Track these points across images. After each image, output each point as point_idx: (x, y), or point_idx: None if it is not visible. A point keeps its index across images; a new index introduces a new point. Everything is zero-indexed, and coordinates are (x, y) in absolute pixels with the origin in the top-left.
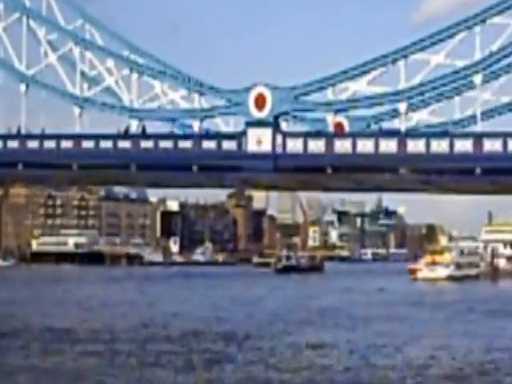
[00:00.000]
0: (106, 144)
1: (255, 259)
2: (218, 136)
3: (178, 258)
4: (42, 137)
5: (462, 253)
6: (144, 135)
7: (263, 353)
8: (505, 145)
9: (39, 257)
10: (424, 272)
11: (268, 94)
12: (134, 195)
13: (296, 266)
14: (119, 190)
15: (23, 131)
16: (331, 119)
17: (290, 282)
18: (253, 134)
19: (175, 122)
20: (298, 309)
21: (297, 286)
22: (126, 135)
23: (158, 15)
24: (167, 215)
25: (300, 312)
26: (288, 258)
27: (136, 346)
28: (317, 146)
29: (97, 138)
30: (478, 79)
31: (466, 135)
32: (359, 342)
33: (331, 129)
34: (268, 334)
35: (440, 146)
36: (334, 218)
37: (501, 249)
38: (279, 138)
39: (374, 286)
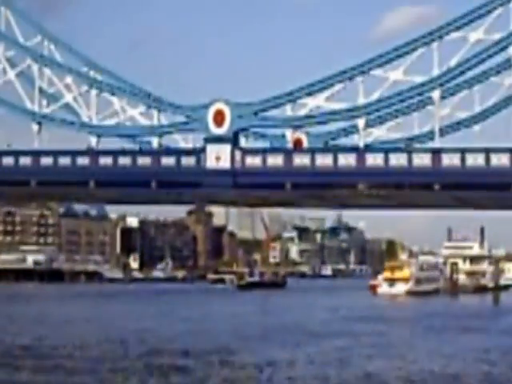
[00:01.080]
0: (65, 160)
1: (210, 276)
2: (177, 152)
3: (138, 275)
4: (0, 153)
5: (421, 268)
6: (102, 152)
7: (221, 368)
8: (463, 160)
9: None
10: (383, 287)
11: (227, 110)
12: (93, 212)
13: (259, 282)
14: (79, 206)
15: None
16: (290, 135)
17: (252, 298)
18: (212, 150)
19: (134, 139)
20: (258, 325)
21: (259, 302)
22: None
23: (116, 31)
24: (127, 232)
25: (261, 328)
26: (251, 274)
27: (91, 363)
28: (275, 161)
29: (55, 154)
30: (436, 95)
31: (424, 150)
32: (317, 357)
33: (290, 145)
34: (228, 350)
35: (398, 160)
36: (294, 234)
37: (460, 264)
38: (238, 155)
39: (334, 301)
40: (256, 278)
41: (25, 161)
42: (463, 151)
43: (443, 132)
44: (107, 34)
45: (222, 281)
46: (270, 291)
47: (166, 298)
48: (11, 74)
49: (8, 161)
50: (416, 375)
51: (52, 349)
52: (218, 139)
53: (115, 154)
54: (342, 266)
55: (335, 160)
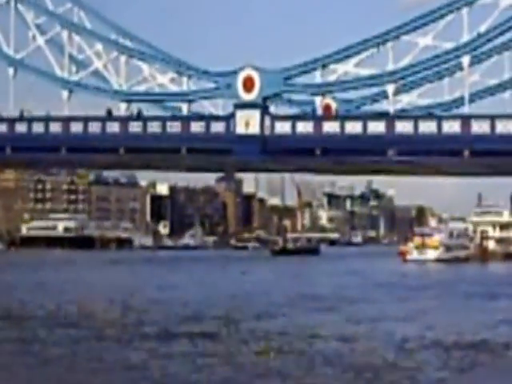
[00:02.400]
0: (95, 127)
1: (233, 242)
2: (207, 118)
3: (168, 242)
4: (31, 120)
5: (451, 235)
6: (132, 118)
7: (255, 334)
8: (493, 126)
9: (29, 241)
10: (413, 254)
11: (256, 76)
12: (123, 179)
13: (293, 249)
14: (109, 174)
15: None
16: (320, 101)
17: (286, 265)
18: (241, 116)
19: (164, 105)
20: (290, 292)
21: (293, 269)
22: (138, 117)
23: None
24: (157, 199)
25: (293, 295)
26: (285, 240)
27: (115, 330)
28: (305, 128)
29: (85, 120)
30: (465, 61)
31: (453, 117)
32: (345, 323)
33: (320, 111)
34: (265, 315)
35: (428, 127)
36: (324, 200)
37: (490, 231)
38: (267, 121)
39: (366, 268)
40: (290, 245)
41: (55, 127)
42: (493, 118)
43: (473, 99)
44: (137, 1)
45: (244, 248)
46: (304, 258)
47: (197, 265)
48: (41, 41)
49: (38, 127)
50: (443, 341)
51: (73, 316)
52: (248, 105)
53: (145, 120)
54: (371, 233)
55: (365, 127)
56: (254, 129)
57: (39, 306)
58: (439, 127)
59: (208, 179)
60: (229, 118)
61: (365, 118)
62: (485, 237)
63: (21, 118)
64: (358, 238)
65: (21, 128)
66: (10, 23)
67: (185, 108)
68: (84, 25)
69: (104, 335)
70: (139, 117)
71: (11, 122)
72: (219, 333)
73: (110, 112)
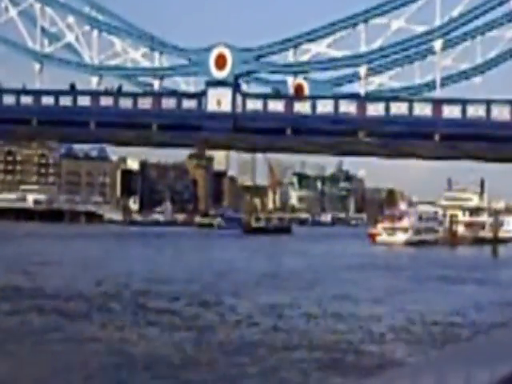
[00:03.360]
0: (66, 101)
1: (198, 219)
2: (178, 95)
3: (138, 217)
4: (2, 92)
5: (420, 218)
6: (103, 92)
7: (207, 312)
8: (464, 111)
9: None
10: (383, 236)
11: (229, 54)
12: (94, 153)
13: (265, 227)
14: (79, 147)
15: None
16: (291, 81)
17: (258, 243)
18: (213, 93)
19: (135, 80)
20: (257, 271)
21: (264, 248)
22: (119, 93)
23: None
24: (127, 174)
25: (259, 274)
26: (257, 219)
27: (79, 305)
28: (276, 107)
29: (56, 93)
30: (438, 45)
31: (425, 100)
32: (308, 303)
33: (291, 91)
34: (237, 293)
35: (399, 109)
36: (295, 180)
37: (460, 215)
38: (239, 99)
39: (336, 249)
40: (262, 224)
41: (26, 100)
42: (464, 102)
43: (444, 83)
44: None
45: (210, 225)
46: (277, 237)
47: (166, 241)
48: (13, 13)
49: (9, 99)
50: (405, 323)
51: (39, 290)
52: (220, 83)
53: (116, 95)
54: (341, 214)
55: (336, 107)
56: (226, 106)
57: None
58: (410, 110)
59: (179, 156)
60: (200, 95)
61: (336, 98)
62: (454, 221)
63: None
64: (327, 219)
65: None
66: None
67: (156, 84)
68: None
69: (66, 309)
70: (119, 92)
71: None
72: (179, 311)
73: (73, 86)
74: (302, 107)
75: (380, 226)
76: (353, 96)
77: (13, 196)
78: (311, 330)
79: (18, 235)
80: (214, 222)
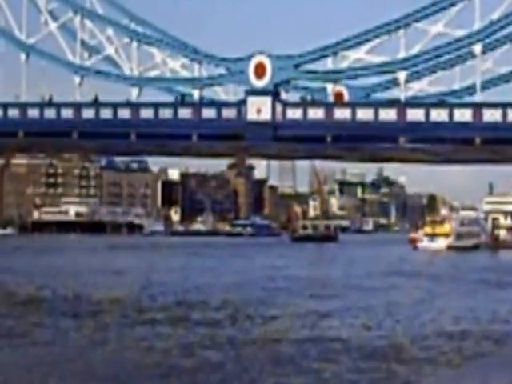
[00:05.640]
0: (107, 113)
1: (227, 228)
2: (218, 104)
3: (179, 228)
4: (43, 105)
5: (462, 223)
6: (143, 104)
7: (252, 320)
8: (504, 115)
9: (40, 226)
10: (424, 242)
11: (268, 62)
12: (134, 165)
13: (312, 235)
14: (120, 159)
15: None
16: (331, 88)
17: (307, 251)
18: (252, 102)
19: (175, 91)
20: (302, 278)
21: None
22: (183, 103)
23: None
24: (168, 185)
25: (304, 281)
26: (304, 227)
27: (116, 314)
28: (316, 114)
29: (97, 106)
30: (477, 49)
31: (465, 105)
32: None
33: (331, 98)
34: (262, 302)
35: (440, 115)
36: (335, 187)
37: (501, 219)
38: (279, 107)
39: (380, 254)
40: (309, 232)
41: (67, 113)
42: (504, 106)
43: (484, 86)
44: None
45: (239, 234)
46: (323, 244)
47: (209, 251)
48: (53, 26)
49: (50, 113)
50: (450, 329)
51: (78, 298)
52: (259, 92)
53: (156, 106)
54: (382, 221)
55: (376, 114)
56: (266, 115)
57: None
58: (451, 115)
59: (219, 165)
60: (240, 105)
61: (376, 105)
62: (496, 225)
63: (37, 104)
64: (368, 226)
65: (33, 113)
66: (23, 8)
67: (196, 94)
68: (96, 10)
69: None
70: (183, 102)
71: (23, 106)
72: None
73: (96, 99)
74: (342, 114)
75: (421, 232)
76: (393, 102)
77: (55, 209)
78: (360, 337)
79: (62, 247)
80: (244, 230)
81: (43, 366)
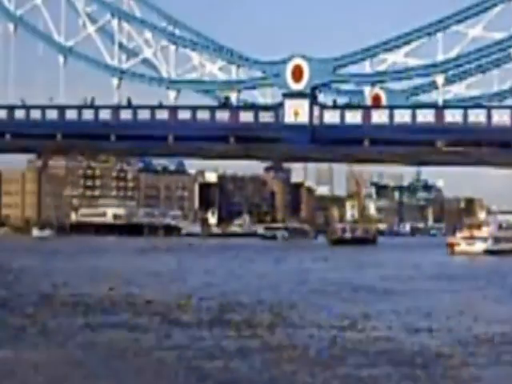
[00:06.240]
0: (144, 115)
1: (260, 231)
2: (255, 107)
3: (216, 230)
4: (81, 107)
5: (500, 227)
6: (181, 106)
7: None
8: None
9: (78, 228)
10: (462, 246)
11: (305, 65)
12: (172, 167)
13: (351, 238)
14: (157, 161)
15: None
16: (368, 91)
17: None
18: (290, 105)
19: (213, 94)
20: (338, 282)
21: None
22: (225, 105)
23: None
24: (205, 187)
25: (341, 285)
26: (343, 230)
27: (155, 317)
28: (354, 117)
29: (134, 108)
30: None
31: (503, 107)
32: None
33: (368, 101)
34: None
35: (478, 118)
36: (372, 191)
37: None
38: (316, 110)
39: (416, 259)
40: (347, 235)
41: (104, 115)
42: None
43: None
44: None
45: (273, 237)
46: (362, 247)
47: (244, 253)
48: (91, 29)
49: (88, 115)
50: (489, 335)
51: (119, 302)
52: (297, 94)
53: (194, 108)
54: (420, 224)
55: (413, 117)
56: (303, 118)
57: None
58: (489, 118)
59: (256, 168)
60: (277, 108)
61: (414, 107)
62: None
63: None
64: (406, 229)
65: (70, 115)
66: (61, 11)
67: (234, 97)
68: (134, 13)
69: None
70: (225, 105)
71: (61, 108)
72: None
73: (129, 101)
74: (380, 117)
75: (459, 236)
76: (430, 105)
77: (92, 211)
78: (398, 341)
79: (101, 249)
80: (278, 233)
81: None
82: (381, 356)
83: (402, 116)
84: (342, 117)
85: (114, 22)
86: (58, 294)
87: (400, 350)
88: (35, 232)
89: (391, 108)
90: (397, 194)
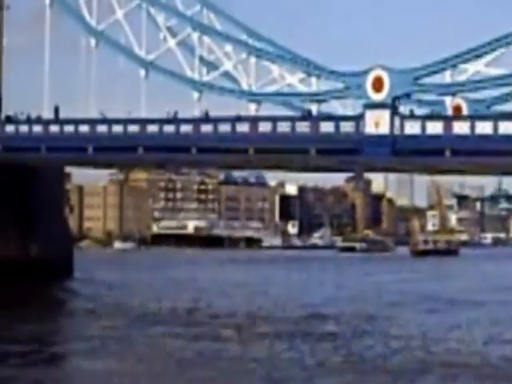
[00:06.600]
0: (225, 128)
1: (339, 243)
2: (336, 118)
3: (297, 242)
4: (162, 121)
5: None
6: (261, 118)
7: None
8: None
9: (159, 240)
10: None
11: (386, 76)
12: (252, 179)
13: (433, 249)
14: (238, 173)
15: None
16: (450, 101)
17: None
18: (370, 116)
19: (293, 106)
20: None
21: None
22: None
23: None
24: (286, 199)
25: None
26: (425, 242)
27: (235, 328)
28: (435, 128)
29: (215, 121)
30: None
31: None
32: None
33: (449, 111)
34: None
35: None
36: (454, 201)
37: None
38: (397, 121)
39: (499, 270)
40: (430, 246)
41: (186, 128)
42: None
43: None
44: (265, 2)
45: (351, 249)
46: (444, 259)
47: (324, 265)
48: (172, 43)
49: (169, 128)
50: None
51: (200, 313)
52: (377, 105)
53: (274, 120)
54: (501, 235)
55: (495, 127)
56: (384, 129)
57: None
58: None
59: (337, 179)
60: (358, 118)
61: (495, 117)
62: None
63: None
64: (487, 240)
65: (152, 128)
66: (142, 26)
67: (314, 108)
68: (214, 26)
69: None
70: (306, 117)
71: (142, 122)
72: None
73: (207, 113)
74: (461, 128)
75: None
76: None
77: (174, 223)
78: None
79: (183, 261)
80: (357, 245)
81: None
82: (466, 369)
83: (484, 126)
84: (423, 127)
85: (195, 36)
86: (140, 305)
87: (486, 362)
88: (117, 244)
89: (473, 118)
90: (478, 205)
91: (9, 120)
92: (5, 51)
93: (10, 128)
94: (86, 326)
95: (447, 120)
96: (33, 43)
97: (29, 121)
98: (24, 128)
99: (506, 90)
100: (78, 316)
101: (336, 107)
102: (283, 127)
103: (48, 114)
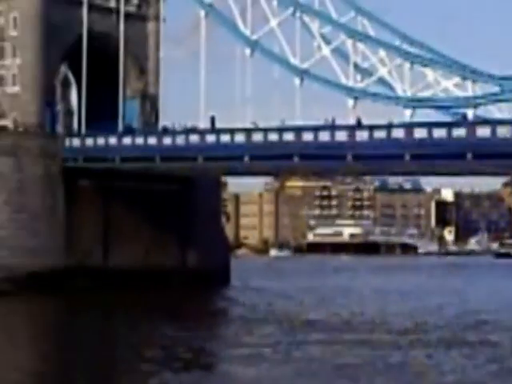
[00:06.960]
0: (380, 134)
1: (495, 248)
2: (493, 123)
3: (453, 248)
4: (317, 128)
5: None
6: (417, 124)
7: None
8: None
9: (314, 247)
10: None
11: None
12: (408, 185)
13: None
14: (393, 180)
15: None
16: None
17: None
18: None
19: (449, 111)
20: None
21: None
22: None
23: (429, 2)
24: (442, 205)
25: None
26: None
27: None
28: None
29: (370, 128)
30: None
31: None
32: None
33: None
34: None
35: None
36: None
37: None
38: None
39: None
40: None
41: (340, 136)
42: None
43: None
44: (420, 7)
45: (508, 255)
46: None
47: (481, 271)
48: (326, 51)
49: (324, 136)
50: None
51: (358, 319)
52: None
53: (430, 126)
54: None
55: None
56: None
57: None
58: None
59: (493, 184)
60: None
61: None
62: None
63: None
64: None
65: (307, 137)
66: (296, 34)
67: (470, 113)
68: (368, 33)
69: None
70: (463, 123)
71: (297, 130)
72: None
73: (333, 121)
74: None
75: None
76: None
77: (329, 230)
78: None
79: (341, 268)
80: None
81: None
82: None
83: None
84: None
85: (349, 42)
86: (295, 312)
87: None
88: (273, 252)
89: None
90: None
91: (166, 131)
92: (162, 63)
93: (167, 139)
94: (243, 333)
95: None
96: (188, 54)
97: (186, 131)
98: (181, 138)
99: None
100: (236, 323)
101: (492, 111)
102: (439, 133)
103: (204, 124)
